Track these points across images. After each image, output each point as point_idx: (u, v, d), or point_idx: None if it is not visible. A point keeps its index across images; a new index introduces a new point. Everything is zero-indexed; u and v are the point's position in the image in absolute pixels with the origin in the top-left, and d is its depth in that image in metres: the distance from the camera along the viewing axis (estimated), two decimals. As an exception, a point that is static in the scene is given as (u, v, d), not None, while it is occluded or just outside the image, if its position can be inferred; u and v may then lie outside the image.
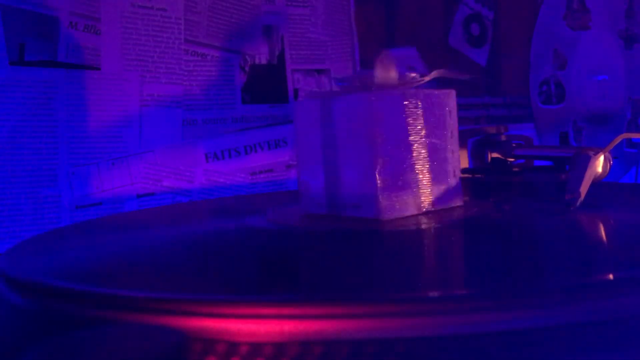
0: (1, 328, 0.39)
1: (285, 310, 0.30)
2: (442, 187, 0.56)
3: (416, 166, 0.54)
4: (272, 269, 0.44)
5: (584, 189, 0.53)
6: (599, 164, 0.56)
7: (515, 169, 0.70)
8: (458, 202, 0.57)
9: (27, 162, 0.82)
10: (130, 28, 0.89)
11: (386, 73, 0.55)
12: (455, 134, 0.57)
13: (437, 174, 0.55)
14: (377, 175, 0.52)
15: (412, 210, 0.54)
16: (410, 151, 0.54)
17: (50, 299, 0.38)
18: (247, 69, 0.98)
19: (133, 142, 0.89)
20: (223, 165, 0.96)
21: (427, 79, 0.57)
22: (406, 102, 0.54)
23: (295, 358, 0.29)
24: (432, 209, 0.55)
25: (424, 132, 0.55)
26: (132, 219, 0.74)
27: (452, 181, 0.57)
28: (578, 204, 0.52)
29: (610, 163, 0.57)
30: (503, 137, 0.71)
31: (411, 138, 0.54)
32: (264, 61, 1.00)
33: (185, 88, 0.93)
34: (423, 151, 0.55)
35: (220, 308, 0.31)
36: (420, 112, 0.55)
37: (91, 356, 0.26)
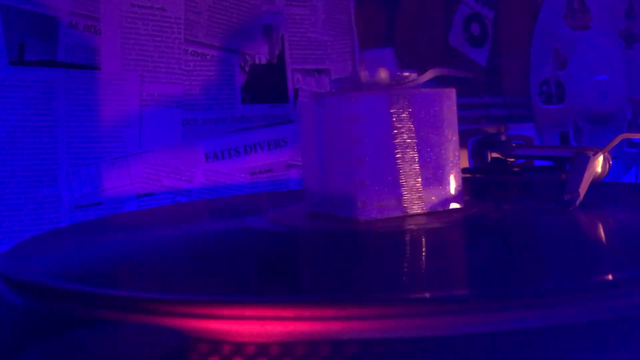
0: (1, 328, 0.39)
1: (291, 312, 0.30)
2: (437, 189, 0.55)
3: (402, 168, 0.53)
4: (274, 269, 0.44)
5: (583, 189, 0.53)
6: (598, 164, 0.56)
7: (515, 169, 0.70)
8: (456, 205, 0.56)
9: (27, 162, 0.82)
10: (130, 28, 0.89)
11: (374, 73, 0.55)
12: (456, 134, 0.56)
13: (431, 176, 0.54)
14: (353, 176, 0.52)
15: (395, 212, 0.53)
16: (395, 152, 0.53)
17: (51, 299, 0.38)
18: (247, 68, 0.98)
19: (133, 142, 0.89)
20: (223, 165, 0.96)
21: (423, 79, 0.57)
22: (390, 103, 0.53)
23: (301, 358, 0.29)
24: (424, 212, 0.54)
25: (413, 133, 0.53)
26: (132, 219, 0.74)
27: (451, 183, 0.55)
28: (577, 203, 0.53)
29: (609, 163, 0.57)
30: (503, 137, 0.72)
31: (397, 139, 0.53)
32: (264, 61, 1.00)
33: (185, 88, 0.93)
34: (411, 153, 0.53)
35: (224, 309, 0.31)
36: (407, 113, 0.53)
37: (91, 356, 0.26)
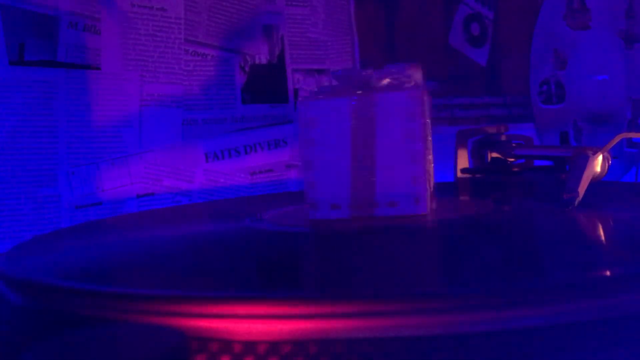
0: (1, 328, 0.39)
1: (281, 310, 0.30)
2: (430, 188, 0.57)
3: (428, 164, 0.55)
4: (273, 269, 0.44)
5: (582, 188, 0.53)
6: (598, 163, 0.56)
7: (515, 169, 0.70)
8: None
9: (27, 162, 0.82)
10: (130, 28, 0.89)
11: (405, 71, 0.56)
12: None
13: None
14: (419, 172, 0.53)
15: (433, 206, 0.55)
16: (428, 149, 0.55)
17: (51, 299, 0.38)
18: (247, 69, 0.98)
19: (133, 142, 0.89)
20: (223, 165, 0.96)
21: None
22: (425, 100, 0.55)
23: (288, 356, 0.29)
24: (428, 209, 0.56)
25: (428, 130, 0.56)
26: (133, 220, 0.74)
27: (430, 179, 0.58)
28: (576, 203, 0.53)
29: (609, 162, 0.57)
30: (503, 137, 0.72)
31: (428, 136, 0.55)
32: (264, 61, 1.00)
33: (185, 88, 0.94)
34: (428, 149, 0.56)
35: (218, 307, 0.31)
36: (427, 110, 0.56)
37: (91, 356, 0.26)
